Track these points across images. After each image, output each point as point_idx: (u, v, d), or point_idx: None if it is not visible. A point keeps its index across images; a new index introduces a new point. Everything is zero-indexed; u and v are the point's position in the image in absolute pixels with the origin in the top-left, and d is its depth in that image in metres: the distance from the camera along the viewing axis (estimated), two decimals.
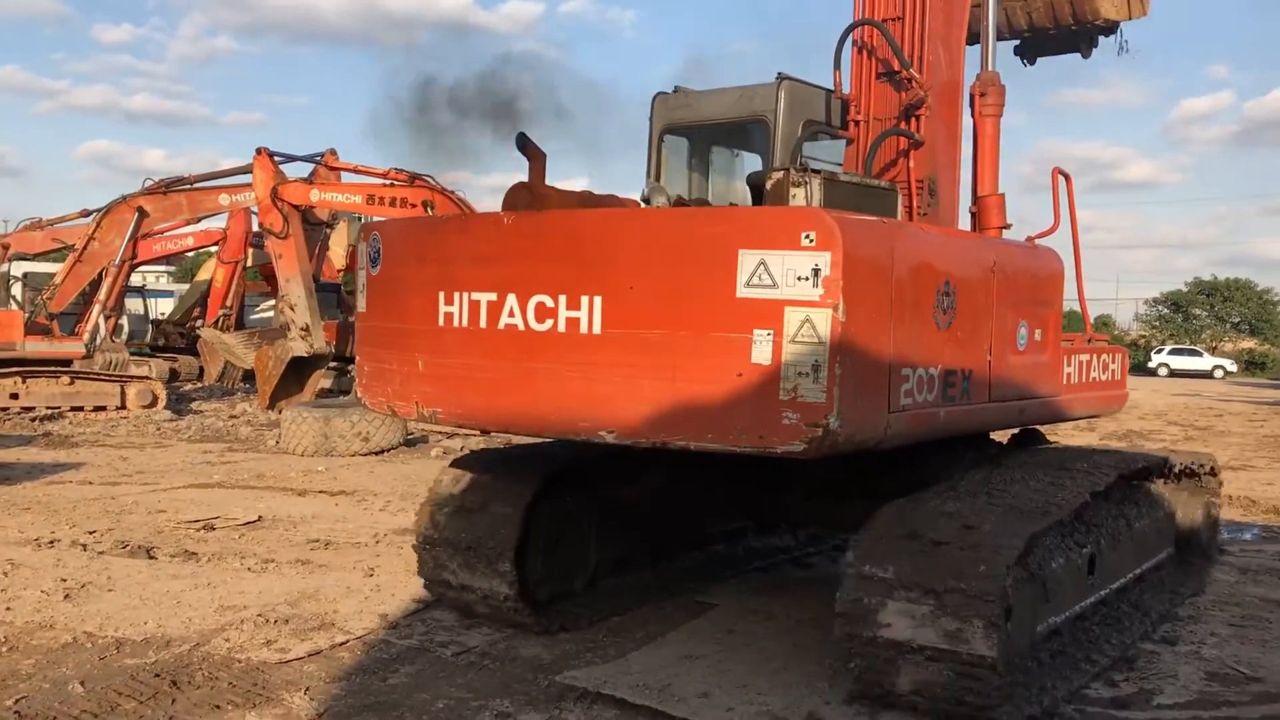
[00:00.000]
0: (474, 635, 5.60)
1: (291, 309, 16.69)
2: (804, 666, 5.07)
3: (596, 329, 4.20)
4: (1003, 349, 5.08)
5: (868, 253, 4.00)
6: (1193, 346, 54.05)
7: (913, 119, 5.78)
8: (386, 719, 4.49)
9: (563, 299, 4.29)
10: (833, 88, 6.12)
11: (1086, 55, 7.50)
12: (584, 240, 4.35)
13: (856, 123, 5.99)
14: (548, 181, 5.04)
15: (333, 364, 18.93)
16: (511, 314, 4.43)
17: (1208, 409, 24.62)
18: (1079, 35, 7.33)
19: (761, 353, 3.88)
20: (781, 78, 6.02)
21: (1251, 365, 54.21)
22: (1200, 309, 62.84)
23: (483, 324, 4.55)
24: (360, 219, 33.22)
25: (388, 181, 17.53)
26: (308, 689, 4.74)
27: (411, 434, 14.50)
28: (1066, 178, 6.09)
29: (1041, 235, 5.75)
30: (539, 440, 5.40)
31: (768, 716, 4.42)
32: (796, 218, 3.99)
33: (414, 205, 17.25)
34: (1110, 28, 7.31)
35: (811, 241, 3.80)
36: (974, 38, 6.30)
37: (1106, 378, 6.43)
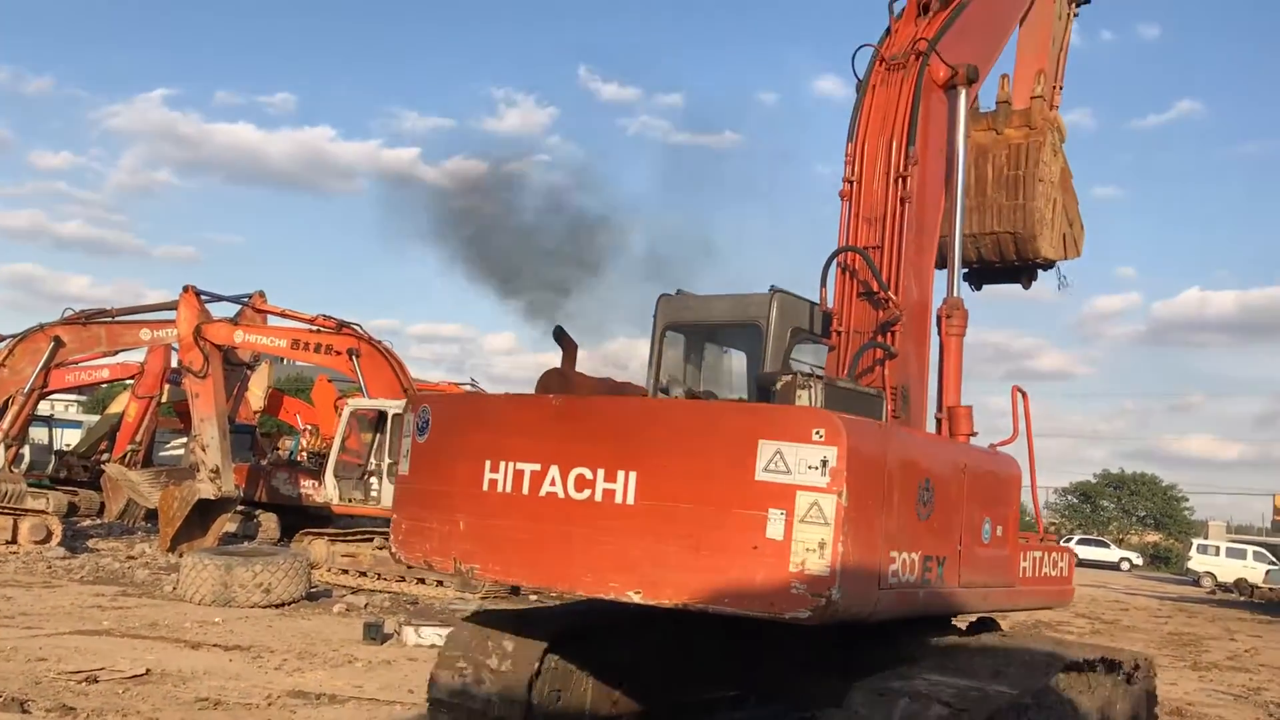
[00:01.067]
0: None
1: (203, 449, 16.67)
2: None
3: (630, 500, 4.89)
4: (970, 541, 5.80)
5: (866, 449, 4.77)
6: (1100, 538, 56.18)
7: (889, 333, 6.64)
8: None
9: (601, 472, 5.00)
10: (818, 301, 6.97)
11: (1026, 287, 8.56)
12: (624, 423, 5.13)
13: (838, 333, 6.84)
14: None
15: (239, 508, 18.75)
16: (553, 483, 5.12)
17: (1114, 602, 25.68)
18: (1020, 270, 8.37)
19: (775, 529, 4.59)
20: (774, 290, 6.97)
21: (1156, 559, 56.42)
22: (1108, 500, 65.57)
23: (525, 490, 5.22)
24: (283, 362, 33.20)
25: (314, 327, 17.92)
26: None
27: (314, 587, 14.41)
28: (1024, 395, 6.94)
29: (1002, 444, 6.62)
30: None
31: None
32: (809, 417, 4.80)
33: (339, 352, 17.65)
34: (1049, 265, 8.36)
35: (821, 437, 4.59)
36: (939, 264, 7.35)
37: (1056, 574, 7.17)
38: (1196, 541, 44.01)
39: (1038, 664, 5.59)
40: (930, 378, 6.89)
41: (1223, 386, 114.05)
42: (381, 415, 17.04)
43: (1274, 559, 38.42)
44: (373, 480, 17.16)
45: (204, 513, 16.99)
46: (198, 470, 16.89)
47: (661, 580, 4.82)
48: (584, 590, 5.13)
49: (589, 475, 5.03)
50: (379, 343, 17.78)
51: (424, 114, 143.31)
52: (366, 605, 13.79)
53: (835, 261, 6.88)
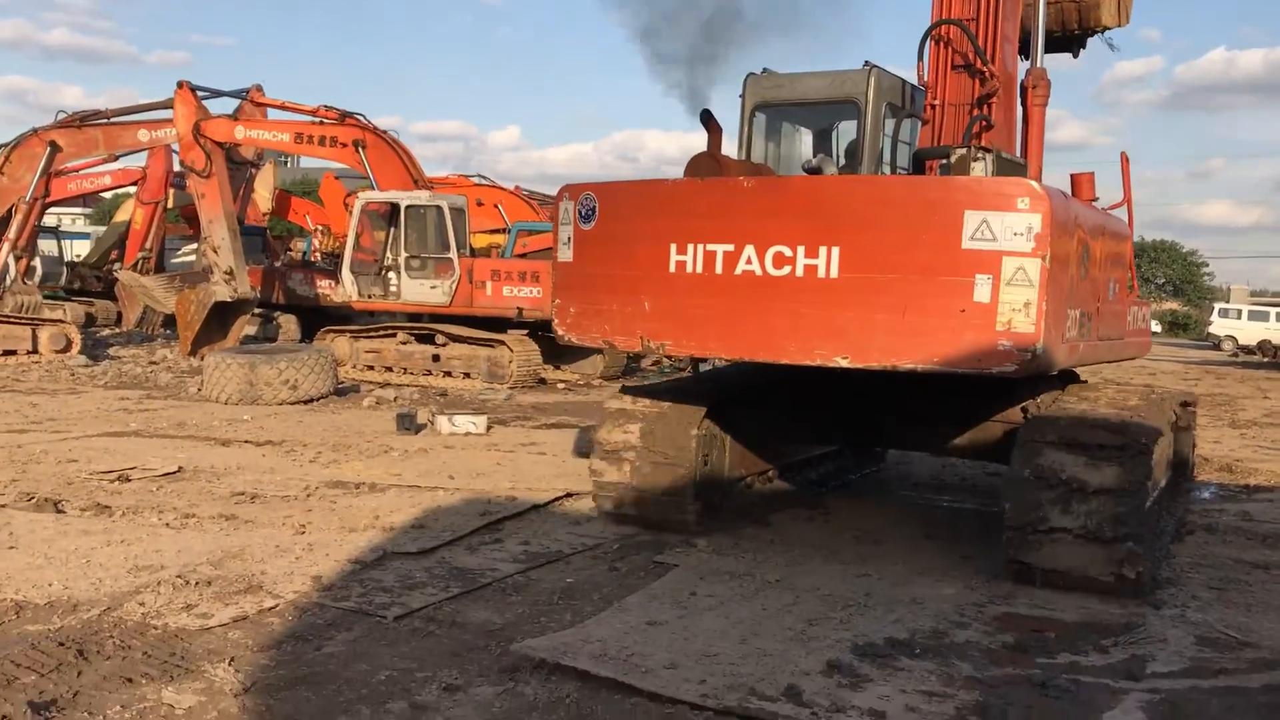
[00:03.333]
0: (417, 596, 5.38)
1: (215, 251, 17.01)
2: (775, 632, 4.96)
3: (834, 274, 5.35)
4: (1104, 298, 6.49)
5: (1061, 217, 5.23)
6: None
7: (986, 105, 7.07)
8: (322, 693, 4.15)
9: (801, 249, 5.41)
10: (909, 78, 7.40)
11: (1075, 55, 8.93)
12: (823, 201, 5.52)
13: (933, 106, 7.25)
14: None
15: (257, 310, 19.21)
16: (749, 262, 5.57)
17: (1140, 368, 27.32)
18: (1074, 39, 8.75)
19: (982, 293, 5.09)
20: (869, 65, 7.30)
21: (1175, 326, 59.01)
22: None
23: (719, 270, 5.65)
24: (287, 159, 33.24)
25: (317, 119, 17.56)
26: (232, 659, 4.43)
27: (341, 383, 14.91)
28: (1126, 160, 7.61)
29: (1114, 207, 7.17)
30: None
31: (743, 689, 4.22)
32: (1015, 187, 5.19)
33: (344, 145, 17.53)
34: (1104, 31, 8.74)
35: (1026, 205, 5.04)
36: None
37: (1143, 326, 8.04)
38: (1218, 305, 45.60)
39: (1158, 400, 6.62)
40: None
41: (1244, 150, 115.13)
42: (394, 208, 17.10)
43: None
44: (391, 275, 17.48)
45: (222, 316, 17.36)
46: (211, 273, 17.15)
47: (869, 345, 5.34)
48: (788, 358, 5.61)
49: (788, 253, 5.45)
50: (385, 133, 17.42)
51: None
52: (396, 398, 14.28)
53: (931, 35, 7.23)
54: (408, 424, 11.31)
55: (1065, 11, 8.26)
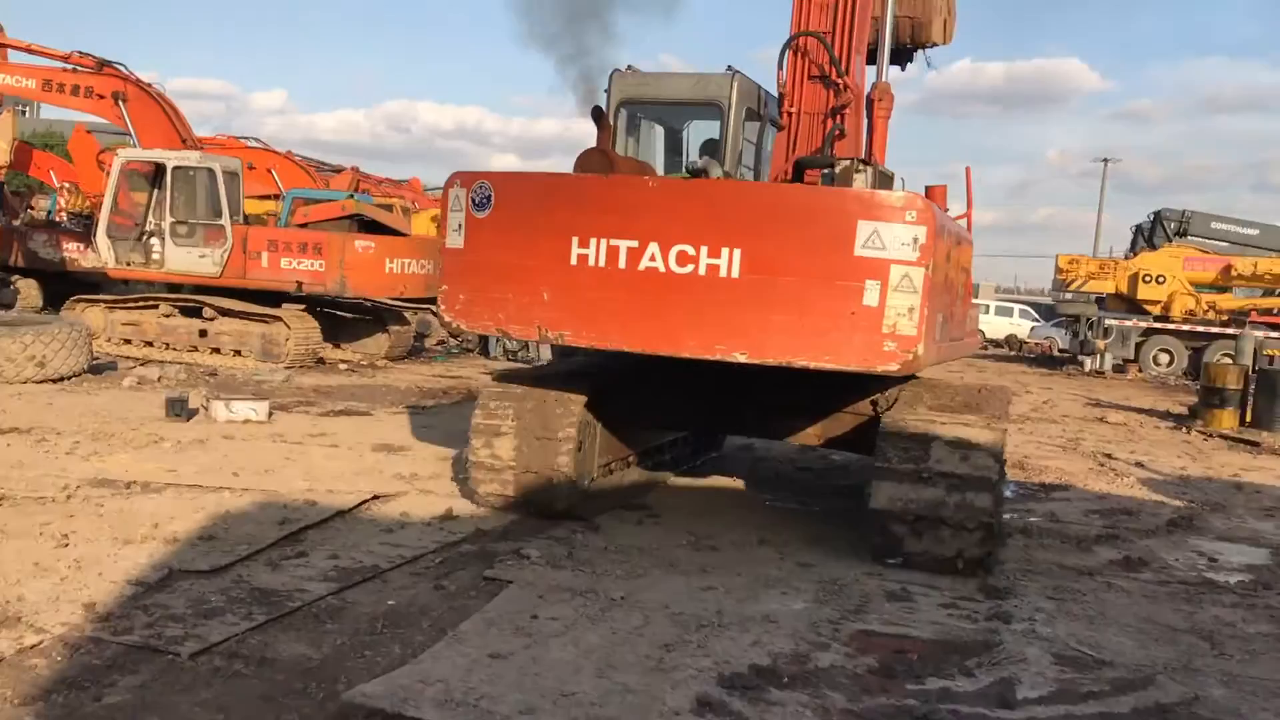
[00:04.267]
0: (215, 626, 4.83)
1: None
2: (632, 661, 4.77)
3: (735, 274, 5.94)
4: (956, 300, 7.52)
5: (939, 228, 6.05)
6: None
7: (840, 115, 7.92)
8: None
9: (704, 249, 5.95)
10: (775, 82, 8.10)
11: (904, 69, 10.03)
12: (726, 204, 6.10)
13: (790, 113, 8.04)
14: None
15: None
16: (653, 259, 6.06)
17: None
18: (903, 54, 9.84)
19: (871, 298, 5.82)
20: (732, 71, 8.03)
21: None
22: None
23: (621, 265, 6.10)
24: (25, 108, 30.43)
25: (69, 66, 16.85)
26: None
27: (96, 358, 14.08)
28: (970, 172, 8.66)
29: (960, 217, 8.14)
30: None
31: None
32: (904, 200, 5.95)
33: (101, 96, 16.83)
34: (928, 47, 9.91)
35: (913, 218, 5.81)
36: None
37: (975, 327, 9.43)
38: None
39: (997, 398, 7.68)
40: None
41: (985, 156, 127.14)
42: (159, 168, 16.32)
43: (1036, 316, 45.22)
44: (154, 241, 16.70)
45: None
46: None
47: (766, 342, 5.98)
48: (688, 352, 6.15)
49: (691, 251, 5.99)
50: (149, 85, 16.54)
51: None
52: (161, 378, 13.68)
53: (791, 45, 8.01)
54: (179, 409, 10.68)
55: (900, 27, 9.25)
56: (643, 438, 8.62)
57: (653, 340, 6.29)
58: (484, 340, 20.43)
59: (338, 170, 24.10)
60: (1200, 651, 5.60)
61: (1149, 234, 30.04)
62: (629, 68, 8.30)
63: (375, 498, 7.74)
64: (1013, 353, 37.17)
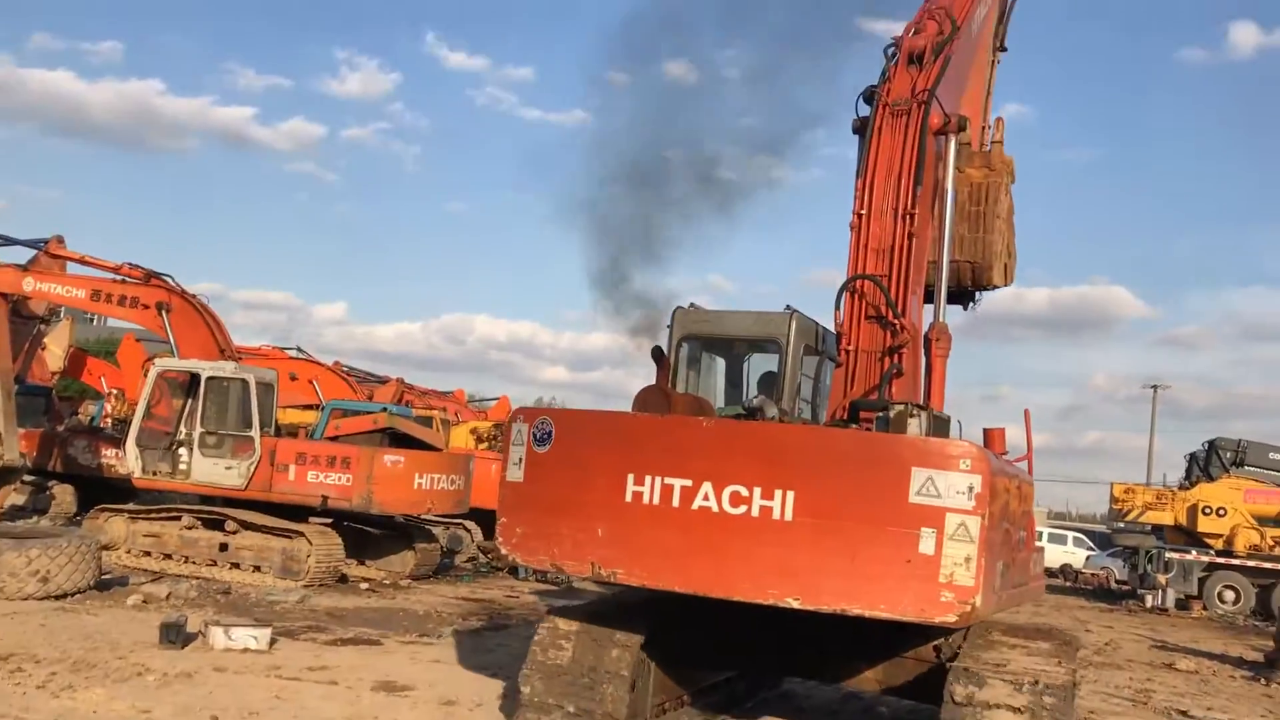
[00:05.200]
0: None
1: None
2: None
3: (789, 516, 6.28)
4: (1017, 546, 7.69)
5: (995, 475, 6.36)
6: None
7: (896, 355, 8.37)
8: None
9: (757, 490, 6.32)
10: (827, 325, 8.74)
11: (965, 309, 10.68)
12: (781, 447, 6.50)
13: (847, 351, 8.50)
14: None
15: (31, 478, 18.73)
16: (706, 498, 6.42)
17: None
18: (964, 295, 10.55)
19: (927, 545, 6.12)
20: (790, 309, 8.61)
21: None
22: None
23: (675, 504, 6.48)
24: (92, 318, 32.13)
25: (119, 277, 18.12)
26: None
27: (108, 573, 14.15)
28: (1029, 416, 9.11)
29: (1020, 459, 8.54)
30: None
31: None
32: (958, 448, 6.31)
33: (146, 306, 17.82)
34: (990, 289, 10.62)
35: (968, 466, 6.17)
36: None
37: (1039, 571, 9.31)
38: None
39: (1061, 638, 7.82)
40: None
41: (1030, 379, 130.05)
42: (194, 378, 17.08)
43: (1091, 545, 44.86)
44: (181, 451, 17.16)
45: None
46: None
47: (820, 587, 6.25)
48: (740, 595, 6.41)
49: (745, 492, 6.36)
50: (193, 297, 17.53)
51: (260, 72, 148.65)
52: (169, 596, 13.72)
53: (848, 287, 8.59)
54: (174, 635, 10.54)
55: (961, 271, 9.91)
56: (697, 676, 8.79)
57: (705, 582, 6.59)
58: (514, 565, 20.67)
59: (383, 381, 25.01)
60: None
61: (1204, 463, 30.25)
62: (691, 304, 8.95)
63: None
64: (1068, 584, 36.75)
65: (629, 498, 6.70)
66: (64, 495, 19.54)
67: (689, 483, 6.59)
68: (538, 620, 7.86)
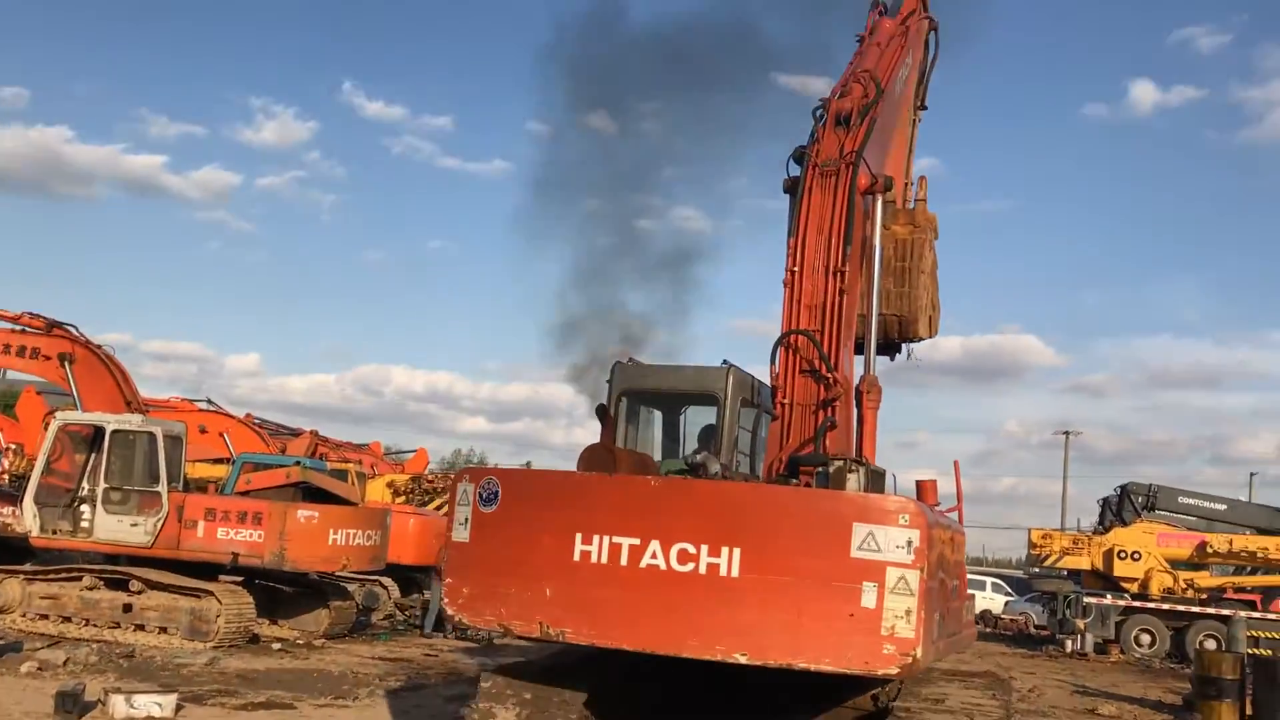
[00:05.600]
0: None
1: None
2: None
3: (735, 573, 6.56)
4: (951, 596, 8.21)
5: (932, 529, 6.73)
6: None
7: (830, 407, 8.82)
8: None
9: (704, 548, 6.60)
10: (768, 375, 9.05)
11: (892, 359, 11.05)
12: (726, 504, 6.79)
13: (783, 404, 8.93)
14: None
15: None
16: (654, 556, 6.67)
17: None
18: (890, 347, 10.91)
19: (869, 599, 6.44)
20: (727, 364, 8.98)
21: None
22: None
23: (623, 562, 6.71)
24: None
25: (19, 327, 18.07)
26: None
27: (1, 638, 14.05)
28: (958, 466, 9.65)
29: (950, 510, 8.99)
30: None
31: None
32: (897, 504, 6.68)
33: (48, 358, 17.75)
34: (915, 340, 11.02)
35: (906, 521, 6.53)
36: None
37: (970, 619, 10.07)
38: None
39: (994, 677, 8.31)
40: None
41: (944, 425, 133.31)
42: (99, 431, 16.87)
43: (1009, 590, 45.92)
44: (84, 508, 16.90)
45: None
46: None
47: (767, 643, 6.52)
48: (689, 652, 6.65)
49: (692, 550, 6.64)
50: (98, 348, 17.44)
51: (174, 119, 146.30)
52: (67, 662, 13.45)
53: (782, 342, 9.03)
54: (70, 704, 10.32)
55: (888, 324, 10.39)
56: None
57: (654, 640, 6.85)
58: (423, 614, 20.73)
59: (296, 434, 24.85)
60: None
61: (1117, 508, 31.33)
62: (630, 360, 9.26)
63: None
64: (988, 629, 37.57)
65: (577, 557, 6.94)
66: None
67: (637, 541, 6.86)
68: (455, 680, 7.96)
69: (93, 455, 17.15)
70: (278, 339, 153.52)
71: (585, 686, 7.78)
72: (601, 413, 7.98)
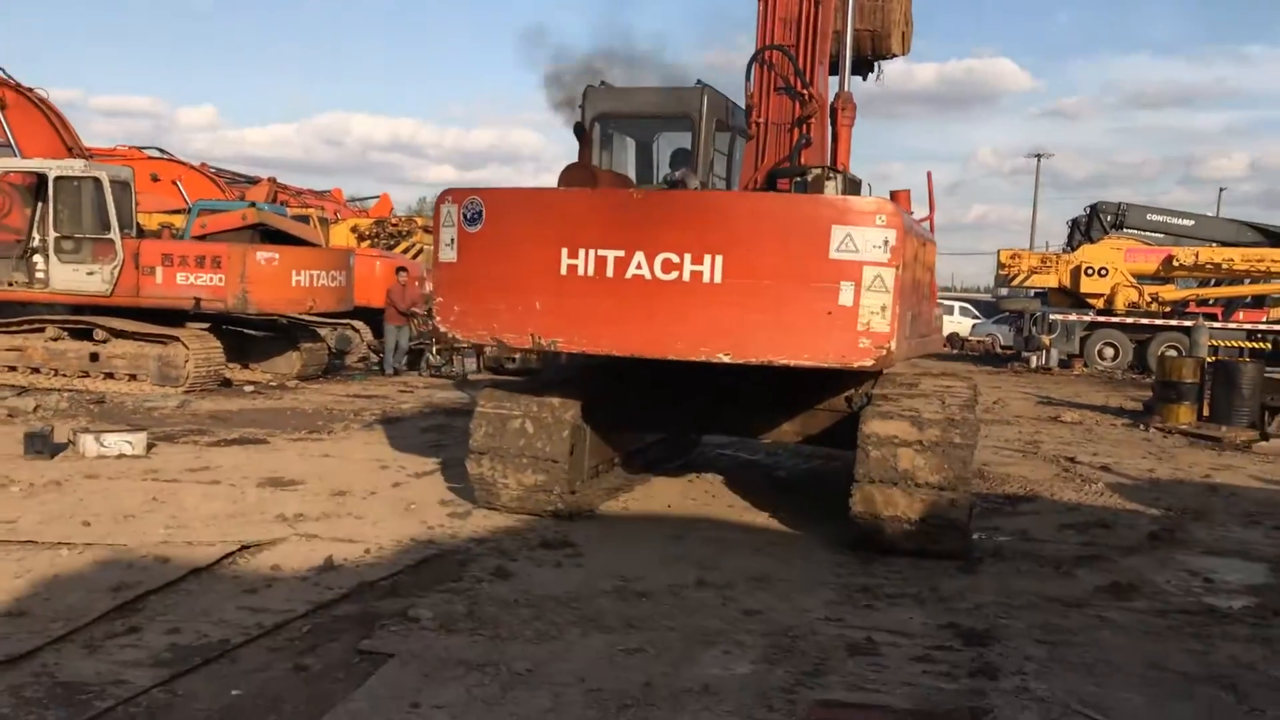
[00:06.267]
0: None
1: None
2: None
3: (718, 279, 7.13)
4: (922, 299, 8.82)
5: (908, 230, 7.33)
6: None
7: (805, 125, 9.30)
8: None
9: (688, 256, 7.14)
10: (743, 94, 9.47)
11: (865, 79, 11.40)
12: (708, 213, 7.28)
13: (758, 124, 9.37)
14: None
15: None
16: (639, 266, 7.22)
17: None
18: (864, 65, 11.24)
19: (846, 298, 7.07)
20: (702, 85, 9.23)
21: None
22: None
23: (609, 274, 7.26)
24: None
25: None
26: None
27: None
28: (930, 177, 10.11)
29: (923, 220, 9.46)
30: None
31: None
32: (874, 205, 7.21)
33: None
34: (889, 57, 11.38)
35: (883, 222, 7.07)
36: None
37: (938, 325, 10.86)
38: None
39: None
40: None
41: (918, 155, 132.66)
42: (41, 179, 16.88)
43: (977, 314, 47.39)
44: (37, 259, 17.05)
45: None
46: None
47: (748, 343, 7.17)
48: (675, 354, 7.30)
49: (676, 259, 7.18)
50: (30, 91, 16.98)
51: None
52: (36, 408, 13.93)
53: (757, 59, 9.35)
54: (39, 445, 10.51)
55: (860, 40, 10.66)
56: (627, 440, 9.88)
57: (641, 344, 7.49)
58: (380, 358, 21.40)
59: (254, 181, 24.84)
60: (1224, 706, 5.36)
61: (1086, 227, 32.20)
62: (602, 83, 9.51)
63: (244, 548, 7.41)
64: (956, 351, 39.12)
65: (564, 270, 7.46)
66: None
67: (621, 253, 7.37)
68: (431, 412, 8.41)
69: (39, 205, 17.15)
70: (234, 90, 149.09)
71: (578, 395, 8.46)
72: (579, 132, 8.30)
